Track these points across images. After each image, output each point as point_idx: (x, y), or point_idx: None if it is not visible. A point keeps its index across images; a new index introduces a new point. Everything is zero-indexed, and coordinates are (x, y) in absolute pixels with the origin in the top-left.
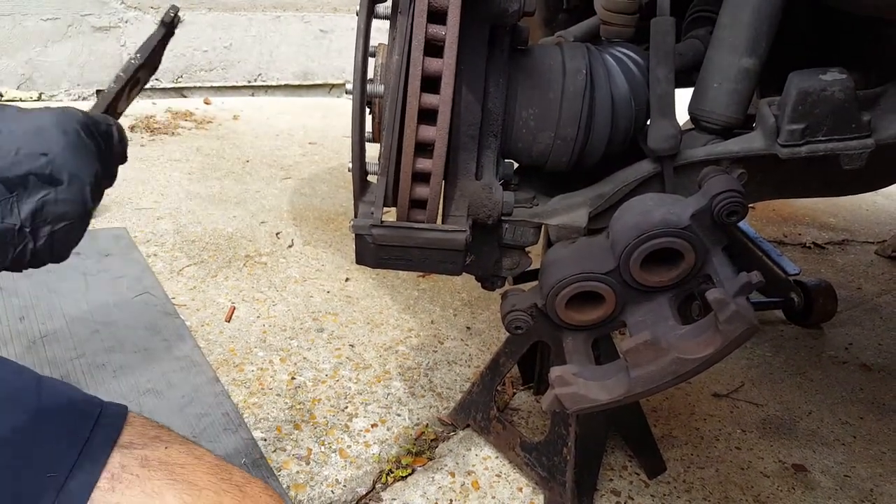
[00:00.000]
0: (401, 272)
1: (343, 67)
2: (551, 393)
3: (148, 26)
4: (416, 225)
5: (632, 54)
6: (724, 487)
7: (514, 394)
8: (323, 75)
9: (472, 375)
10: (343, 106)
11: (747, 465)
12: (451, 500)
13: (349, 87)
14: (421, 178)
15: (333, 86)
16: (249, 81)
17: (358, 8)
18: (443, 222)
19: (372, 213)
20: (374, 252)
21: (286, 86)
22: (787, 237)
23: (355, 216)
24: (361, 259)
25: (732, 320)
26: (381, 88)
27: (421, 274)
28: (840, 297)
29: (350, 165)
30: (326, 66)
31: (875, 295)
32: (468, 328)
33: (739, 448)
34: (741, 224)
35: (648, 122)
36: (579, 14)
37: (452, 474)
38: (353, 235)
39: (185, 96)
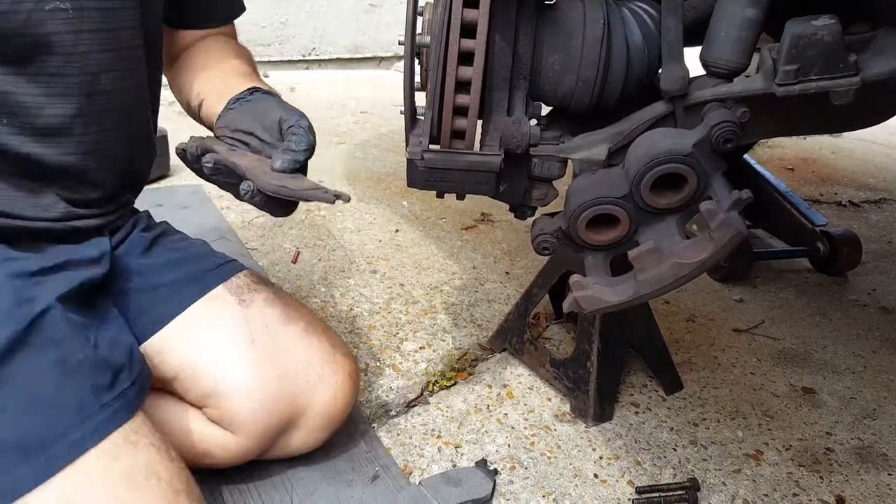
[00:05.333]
0: (446, 225)
1: (392, 41)
2: (571, 296)
3: None
4: (459, 150)
5: (647, 7)
6: (735, 404)
7: (547, 326)
8: (373, 49)
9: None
10: (391, 77)
11: (759, 387)
12: (488, 406)
13: (400, 63)
14: (460, 111)
15: (382, 59)
16: (304, 55)
17: None
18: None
19: (421, 142)
20: (422, 175)
21: (338, 59)
22: (824, 196)
23: (406, 148)
24: (412, 182)
25: (721, 227)
26: (427, 39)
27: (464, 226)
28: (869, 250)
29: (402, 108)
30: (376, 39)
31: None
32: (507, 273)
33: (753, 374)
34: (771, 178)
35: (661, 68)
36: None
37: (490, 386)
38: (406, 161)
39: None
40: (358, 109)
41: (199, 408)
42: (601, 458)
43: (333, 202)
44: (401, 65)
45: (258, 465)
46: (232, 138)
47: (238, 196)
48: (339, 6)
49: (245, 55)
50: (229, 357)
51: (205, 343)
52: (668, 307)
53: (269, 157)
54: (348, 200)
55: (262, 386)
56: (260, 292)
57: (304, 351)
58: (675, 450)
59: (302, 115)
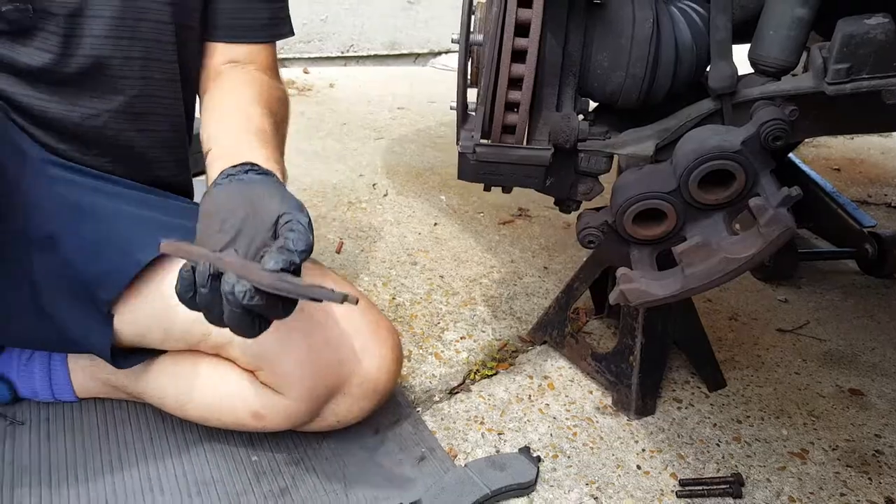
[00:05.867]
0: (483, 219)
1: (428, 38)
2: (617, 289)
3: None
4: (510, 144)
5: (696, 6)
6: (780, 402)
7: (587, 321)
8: (409, 45)
9: (548, 306)
10: (428, 74)
11: (804, 387)
12: (529, 396)
13: (436, 59)
14: (512, 107)
15: (419, 55)
16: (343, 52)
17: None
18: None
19: (472, 137)
20: (473, 168)
21: (375, 55)
22: (872, 197)
23: (457, 142)
24: (463, 174)
25: (771, 223)
26: (480, 37)
27: (502, 221)
28: None
29: (452, 105)
30: (413, 36)
31: None
32: (545, 268)
33: (798, 374)
34: (817, 178)
35: (710, 66)
36: None
37: (531, 377)
38: (458, 154)
39: (286, 66)
40: (395, 105)
41: (252, 371)
42: (643, 450)
43: (342, 302)
44: (437, 61)
45: (312, 441)
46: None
47: (226, 303)
48: (378, 3)
49: (271, 102)
50: (280, 323)
51: None
52: (710, 305)
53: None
54: (356, 303)
55: (309, 350)
56: (309, 270)
57: (350, 322)
58: (718, 445)
59: (301, 209)
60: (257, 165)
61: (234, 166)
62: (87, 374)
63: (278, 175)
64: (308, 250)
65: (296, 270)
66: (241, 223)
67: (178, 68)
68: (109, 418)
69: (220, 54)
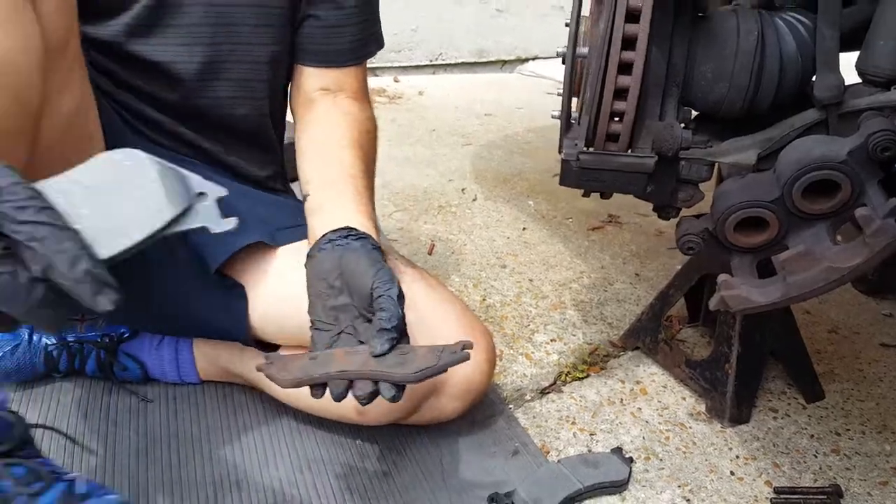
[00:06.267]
0: (572, 224)
1: (515, 45)
2: (718, 295)
3: None
4: (613, 152)
5: (802, 18)
6: (882, 418)
7: (681, 329)
8: (496, 52)
9: (640, 312)
10: (514, 80)
11: None
12: (621, 399)
13: (522, 65)
14: (615, 116)
15: (506, 62)
16: (431, 60)
17: None
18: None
19: (576, 145)
20: (576, 174)
21: (463, 63)
22: None
23: (559, 150)
24: (564, 181)
25: (878, 234)
26: (585, 50)
27: (591, 227)
28: None
29: (553, 113)
30: (500, 43)
31: None
32: (637, 274)
33: None
34: None
35: (815, 76)
36: None
37: (623, 381)
38: (561, 161)
39: (377, 75)
40: (482, 112)
41: None
42: (737, 457)
43: (469, 357)
44: (523, 67)
45: (411, 431)
46: (325, 321)
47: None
48: (466, 12)
49: (362, 141)
50: None
51: None
52: (809, 317)
53: (352, 327)
54: (472, 347)
55: None
56: (406, 273)
57: (446, 325)
58: (815, 456)
59: (391, 281)
60: (355, 230)
61: (335, 231)
62: (208, 359)
63: (373, 234)
64: (400, 322)
65: (398, 339)
66: (344, 287)
67: (268, 103)
68: (229, 401)
69: (312, 79)
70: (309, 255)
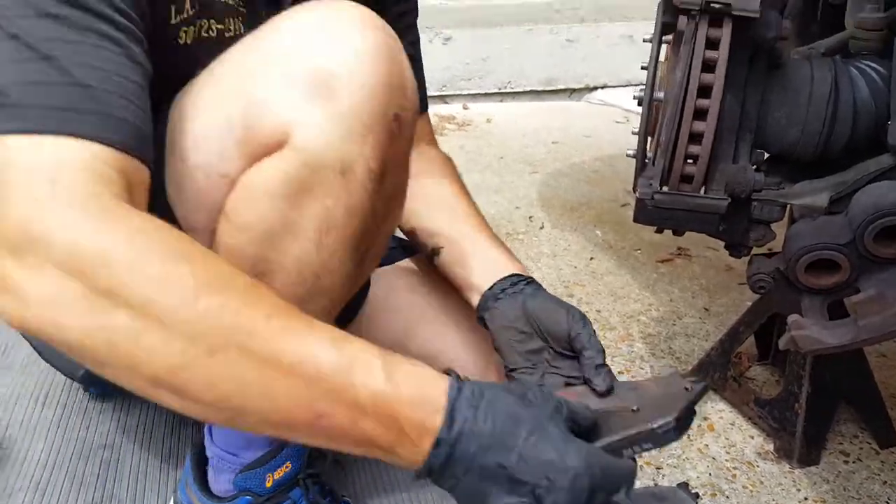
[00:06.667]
0: (641, 256)
1: (585, 73)
2: (788, 335)
3: None
4: (687, 193)
5: (876, 66)
6: None
7: (750, 367)
8: (565, 81)
9: (709, 348)
10: (582, 108)
11: None
12: (688, 435)
13: (591, 94)
14: (690, 159)
15: (574, 90)
16: (500, 88)
17: (649, 36)
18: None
19: (651, 185)
20: (650, 213)
21: (531, 91)
22: None
23: (634, 189)
24: (639, 218)
25: None
26: (661, 94)
27: (660, 259)
28: None
29: (629, 151)
30: (569, 72)
31: None
32: (706, 309)
33: None
34: None
35: (889, 122)
36: (831, 27)
37: None
38: (636, 199)
39: (447, 102)
40: (550, 140)
41: None
42: (806, 498)
43: (708, 391)
44: (592, 96)
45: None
46: (525, 366)
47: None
48: (537, 43)
49: (457, 179)
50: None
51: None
52: (884, 360)
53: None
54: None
55: (479, 363)
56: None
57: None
58: (888, 503)
59: (584, 318)
60: (522, 276)
61: (503, 280)
62: None
63: (524, 271)
64: (604, 353)
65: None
66: (533, 332)
67: None
68: None
69: None
70: (484, 308)
